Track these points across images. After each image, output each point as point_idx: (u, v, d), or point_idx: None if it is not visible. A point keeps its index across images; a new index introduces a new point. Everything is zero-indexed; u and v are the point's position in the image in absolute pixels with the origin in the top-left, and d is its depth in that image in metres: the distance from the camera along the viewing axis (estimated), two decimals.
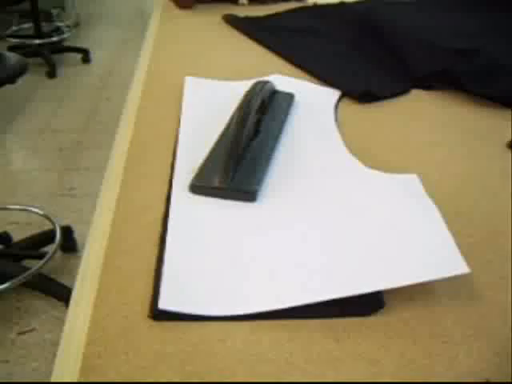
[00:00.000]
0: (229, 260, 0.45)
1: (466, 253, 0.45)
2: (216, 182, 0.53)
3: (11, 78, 1.50)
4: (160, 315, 0.40)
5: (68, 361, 0.37)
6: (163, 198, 0.53)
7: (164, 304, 0.40)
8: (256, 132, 0.62)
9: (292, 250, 0.45)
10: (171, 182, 0.55)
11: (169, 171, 0.57)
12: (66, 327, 0.40)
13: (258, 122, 0.63)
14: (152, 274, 0.44)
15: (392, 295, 0.42)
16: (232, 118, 0.64)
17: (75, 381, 0.35)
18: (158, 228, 0.49)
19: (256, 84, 0.64)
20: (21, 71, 1.53)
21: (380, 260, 0.44)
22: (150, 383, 0.35)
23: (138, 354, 0.37)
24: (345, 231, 0.47)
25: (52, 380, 0.36)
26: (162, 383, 0.35)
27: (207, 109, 0.69)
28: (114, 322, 0.39)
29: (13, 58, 1.59)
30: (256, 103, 0.59)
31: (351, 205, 0.51)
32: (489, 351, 0.38)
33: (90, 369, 0.36)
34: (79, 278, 0.44)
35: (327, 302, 0.40)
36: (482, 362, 0.38)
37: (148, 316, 0.40)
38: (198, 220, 0.49)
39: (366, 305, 0.41)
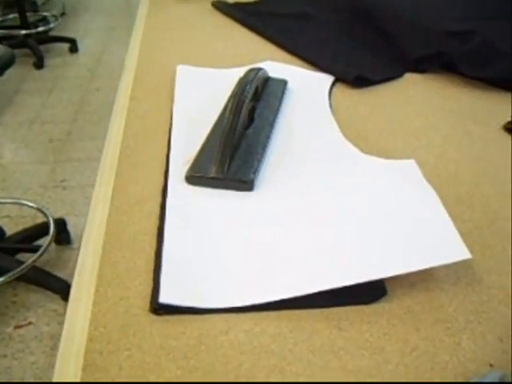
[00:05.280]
0: (228, 251, 0.44)
1: (466, 238, 0.45)
2: (212, 172, 0.52)
3: None
4: (161, 309, 0.39)
5: (69, 359, 0.36)
6: (159, 189, 0.52)
7: (165, 298, 0.39)
8: (250, 120, 0.61)
9: (291, 239, 0.45)
10: (167, 173, 0.54)
11: (164, 162, 0.56)
12: (66, 324, 0.39)
13: (252, 110, 0.62)
14: (151, 267, 0.43)
15: (393, 282, 0.42)
16: (226, 107, 0.63)
17: (78, 380, 0.35)
18: (155, 220, 0.48)
19: (249, 71, 0.63)
20: (8, 63, 1.50)
21: (381, 247, 0.43)
22: (153, 383, 0.35)
23: (140, 350, 0.37)
24: (344, 219, 0.47)
25: (54, 379, 0.35)
26: (164, 383, 0.35)
27: (200, 97, 0.68)
28: (114, 318, 0.39)
29: None
30: (250, 91, 0.59)
31: (349, 192, 0.50)
32: (492, 336, 0.38)
33: (93, 366, 0.35)
34: (77, 274, 0.44)
35: (329, 291, 0.40)
36: (486, 347, 0.37)
37: (149, 310, 0.39)
38: (195, 211, 0.49)
39: (368, 293, 0.41)
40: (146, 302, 0.40)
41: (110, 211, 0.50)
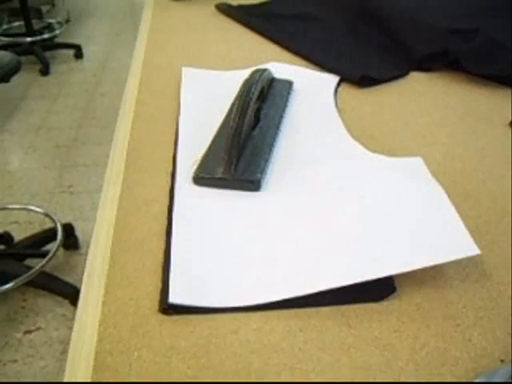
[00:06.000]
0: (236, 250, 0.44)
1: (474, 234, 0.45)
2: (219, 173, 0.53)
3: (5, 77, 1.48)
4: (170, 309, 0.39)
5: (80, 360, 0.36)
6: (166, 190, 0.53)
7: (174, 298, 0.39)
8: (256, 121, 0.61)
9: (300, 238, 0.45)
10: (174, 174, 0.54)
11: (171, 164, 0.57)
12: (76, 326, 0.39)
13: (258, 111, 0.62)
14: (159, 268, 0.43)
15: (403, 279, 0.42)
16: (232, 108, 0.64)
17: (89, 380, 0.35)
18: (163, 221, 0.49)
19: (254, 72, 0.63)
20: (14, 70, 1.51)
21: (390, 245, 0.43)
22: (164, 383, 0.35)
23: (150, 350, 0.37)
24: (352, 217, 0.47)
25: (65, 379, 0.35)
26: (175, 383, 0.35)
27: (206, 99, 0.69)
28: (124, 319, 0.39)
29: (5, 56, 1.57)
30: (256, 91, 0.59)
31: (357, 191, 0.50)
32: (502, 332, 0.38)
33: (103, 367, 0.36)
34: (86, 275, 0.44)
35: (338, 289, 0.40)
36: (496, 342, 0.37)
37: (158, 311, 0.40)
38: (203, 212, 0.49)
39: (378, 290, 0.41)
40: (155, 303, 0.40)
41: (118, 213, 0.50)
